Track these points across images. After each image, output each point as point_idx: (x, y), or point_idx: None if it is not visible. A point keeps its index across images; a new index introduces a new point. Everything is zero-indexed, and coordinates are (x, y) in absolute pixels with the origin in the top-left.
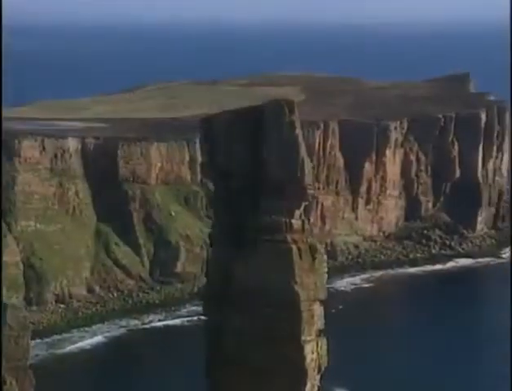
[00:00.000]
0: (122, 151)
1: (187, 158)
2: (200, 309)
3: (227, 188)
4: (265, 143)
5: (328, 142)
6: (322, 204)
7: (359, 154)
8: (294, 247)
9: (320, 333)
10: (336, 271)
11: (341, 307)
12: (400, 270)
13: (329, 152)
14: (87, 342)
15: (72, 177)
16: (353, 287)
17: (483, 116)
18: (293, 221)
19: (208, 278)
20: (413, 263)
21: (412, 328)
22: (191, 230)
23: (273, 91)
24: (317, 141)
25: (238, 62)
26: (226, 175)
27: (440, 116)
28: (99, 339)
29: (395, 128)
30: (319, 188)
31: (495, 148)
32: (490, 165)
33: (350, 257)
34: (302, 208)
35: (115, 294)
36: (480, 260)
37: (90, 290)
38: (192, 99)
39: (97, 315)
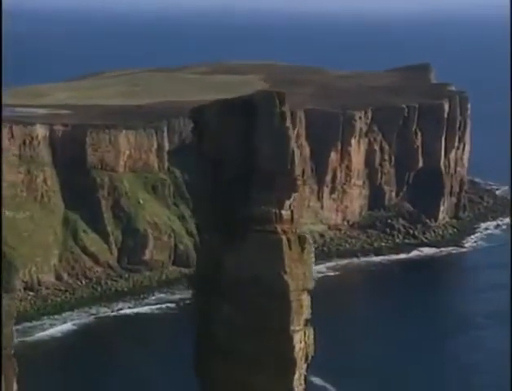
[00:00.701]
0: (91, 138)
1: (155, 146)
2: (168, 296)
3: (216, 177)
4: (256, 134)
5: (295, 132)
6: None
7: (325, 143)
8: (284, 237)
9: (307, 323)
10: None
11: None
12: (365, 259)
13: (296, 141)
14: (57, 329)
15: (41, 165)
16: (319, 275)
17: (446, 107)
18: (283, 211)
19: (197, 266)
20: (378, 252)
21: (376, 316)
22: (159, 217)
23: (236, 79)
24: None
25: (196, 50)
26: (215, 164)
27: (404, 106)
28: (68, 326)
29: (360, 118)
30: None
31: (457, 138)
32: (452, 155)
33: (315, 245)
34: (291, 199)
35: (83, 281)
36: (443, 249)
37: (58, 277)
38: (155, 87)
39: (66, 303)
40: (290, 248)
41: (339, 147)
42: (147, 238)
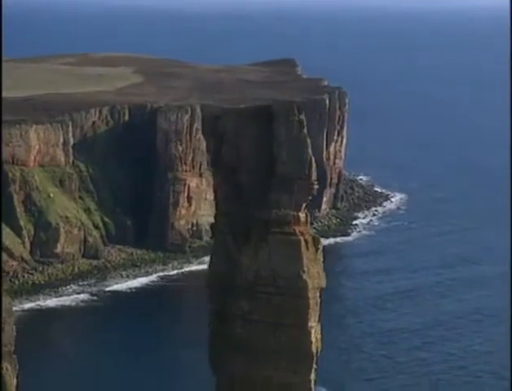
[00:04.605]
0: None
1: (62, 140)
2: (82, 288)
3: (234, 182)
4: (275, 141)
5: (194, 126)
6: (188, 186)
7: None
8: (302, 238)
9: (319, 319)
10: (204, 250)
11: None
12: None
13: (194, 136)
14: None
15: None
16: None
17: (327, 102)
18: (300, 214)
19: (214, 267)
20: None
21: None
22: (68, 211)
23: (108, 71)
24: (185, 125)
25: (57, 40)
26: (233, 170)
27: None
28: None
29: None
30: (186, 171)
31: (336, 132)
32: (332, 148)
33: None
34: (307, 202)
35: None
36: (332, 239)
37: None
38: (23, 78)
39: None
40: (308, 249)
41: None
42: (59, 231)
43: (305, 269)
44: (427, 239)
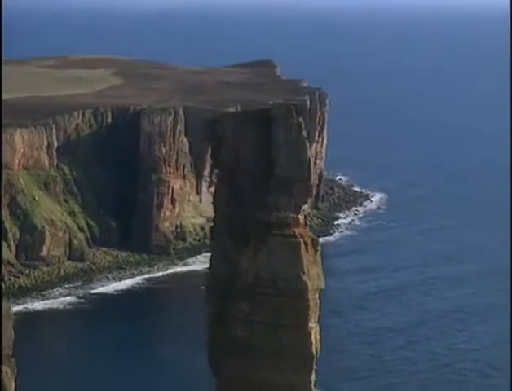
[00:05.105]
0: None
1: (46, 143)
2: (69, 291)
3: (232, 185)
4: (274, 143)
5: (178, 128)
6: (172, 188)
7: (203, 139)
8: (301, 240)
9: (318, 320)
10: (188, 251)
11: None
12: None
13: (178, 138)
14: None
15: None
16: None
17: (308, 103)
18: (299, 216)
19: (213, 270)
20: None
21: None
22: (53, 214)
23: (88, 74)
24: (168, 127)
25: (35, 43)
26: (232, 173)
27: (271, 102)
28: None
29: None
30: (169, 173)
31: (317, 133)
32: (313, 149)
33: (197, 237)
34: (307, 204)
35: None
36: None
37: None
38: (11, 80)
39: None
40: (307, 251)
41: None
42: (44, 234)
43: (305, 270)
44: (408, 238)
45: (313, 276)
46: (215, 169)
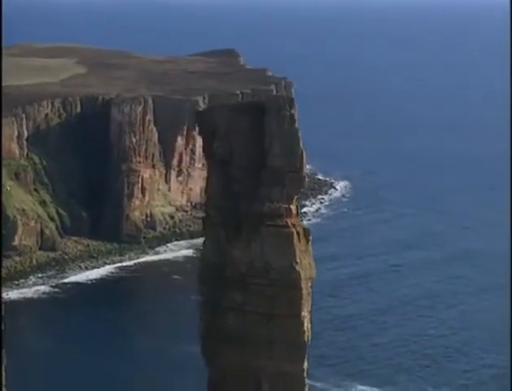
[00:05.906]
0: None
1: (16, 133)
2: (42, 280)
3: (225, 175)
4: (267, 135)
5: (147, 118)
6: (142, 177)
7: (172, 128)
8: (294, 230)
9: (310, 309)
10: (158, 240)
11: (176, 277)
12: None
13: (147, 127)
14: None
15: None
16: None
17: (274, 92)
18: (292, 206)
19: (205, 260)
20: None
21: None
22: (25, 204)
23: (51, 63)
24: (138, 116)
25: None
26: (225, 164)
27: (238, 91)
28: None
29: (204, 103)
30: (139, 162)
31: None
32: None
33: (167, 226)
34: (298, 194)
35: None
36: None
37: None
38: None
39: None
40: (299, 241)
41: (185, 132)
42: (17, 224)
43: (297, 260)
44: (373, 226)
45: (305, 266)
46: (207, 160)
